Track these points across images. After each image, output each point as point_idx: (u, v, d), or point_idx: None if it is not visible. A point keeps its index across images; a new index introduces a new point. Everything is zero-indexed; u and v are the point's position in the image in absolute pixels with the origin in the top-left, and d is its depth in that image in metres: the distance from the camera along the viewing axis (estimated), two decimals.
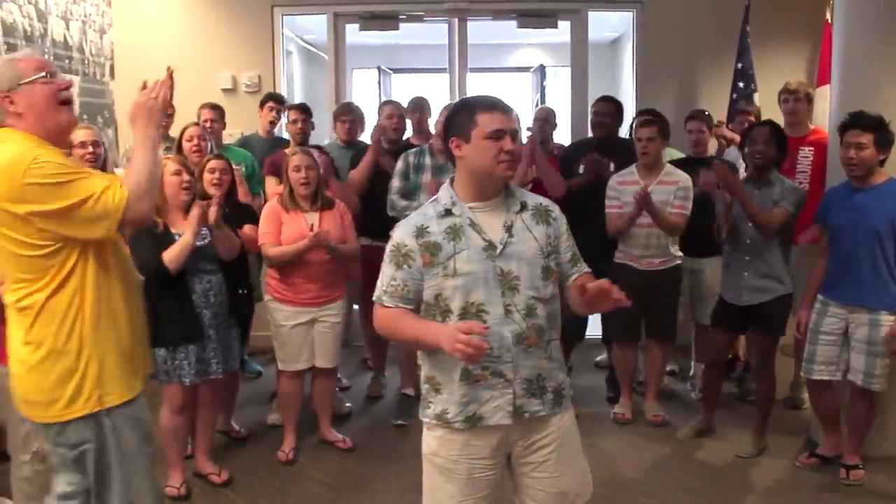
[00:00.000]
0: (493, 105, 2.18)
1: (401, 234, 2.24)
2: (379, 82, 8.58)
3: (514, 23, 6.28)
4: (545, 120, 5.14)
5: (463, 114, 2.20)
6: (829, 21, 5.50)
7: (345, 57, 6.18)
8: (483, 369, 2.17)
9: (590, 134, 5.41)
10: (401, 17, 6.10)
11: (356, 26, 6.19)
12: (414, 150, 4.59)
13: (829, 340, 3.79)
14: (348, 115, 5.15)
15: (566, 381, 2.34)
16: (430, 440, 2.30)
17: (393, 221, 4.41)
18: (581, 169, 4.75)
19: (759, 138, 3.97)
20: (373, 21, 6.06)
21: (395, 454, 4.18)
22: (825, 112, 5.32)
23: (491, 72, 9.39)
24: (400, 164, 4.52)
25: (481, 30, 7.56)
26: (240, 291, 3.98)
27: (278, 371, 4.18)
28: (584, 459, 2.41)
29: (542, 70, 8.32)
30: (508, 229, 2.19)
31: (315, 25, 6.92)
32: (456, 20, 6.12)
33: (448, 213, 2.20)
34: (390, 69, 8.86)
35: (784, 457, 4.12)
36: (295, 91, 7.98)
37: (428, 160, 4.50)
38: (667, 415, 4.60)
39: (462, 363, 2.14)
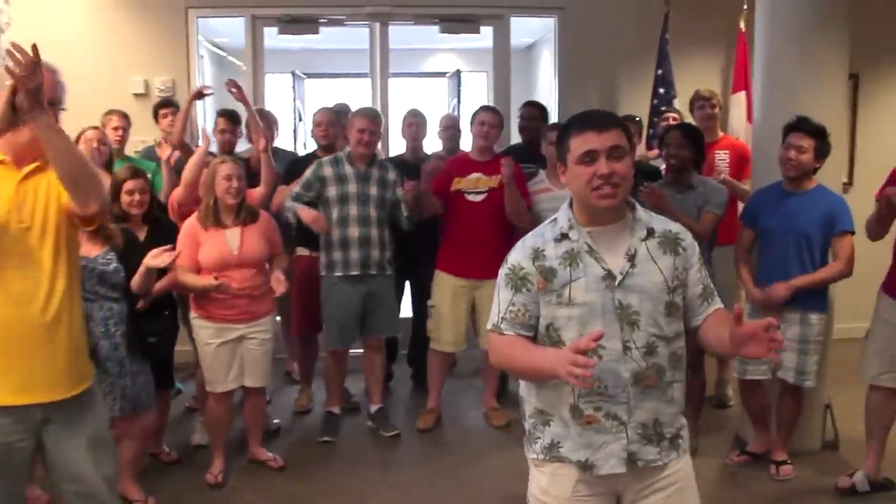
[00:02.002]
0: (582, 123, 1.96)
1: (516, 256, 2.04)
2: (293, 87, 8.38)
3: (431, 28, 6.24)
4: (455, 128, 5.17)
5: (561, 136, 2.02)
6: (743, 30, 5.69)
7: (263, 61, 6.00)
8: (595, 410, 1.97)
9: (514, 139, 5.43)
10: (321, 20, 5.96)
11: (273, 30, 6.02)
12: (328, 159, 4.42)
13: None
14: (263, 122, 4.99)
15: (685, 425, 2.10)
16: (540, 478, 2.10)
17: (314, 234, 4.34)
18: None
19: (672, 142, 4.05)
20: (292, 25, 5.91)
21: (326, 470, 4.07)
22: (741, 119, 5.52)
23: (408, 77, 9.32)
24: (308, 174, 4.35)
25: (398, 35, 7.50)
26: (165, 312, 3.78)
27: (200, 391, 4.00)
28: None
29: (458, 75, 8.30)
30: (631, 258, 1.96)
31: (227, 28, 6.71)
32: (378, 24, 6.03)
33: (565, 236, 2.00)
34: (304, 74, 8.67)
35: (715, 456, 4.19)
36: (207, 98, 7.73)
37: (348, 169, 4.35)
38: None
39: (570, 400, 1.98)
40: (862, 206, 3.75)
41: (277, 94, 8.46)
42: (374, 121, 4.38)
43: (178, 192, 4.19)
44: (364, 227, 4.32)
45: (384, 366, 4.69)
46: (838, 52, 4.09)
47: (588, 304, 1.95)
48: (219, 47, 8.15)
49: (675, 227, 2.07)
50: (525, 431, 2.16)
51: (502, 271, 2.07)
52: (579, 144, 1.93)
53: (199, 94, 4.72)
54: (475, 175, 4.43)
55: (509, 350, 2.02)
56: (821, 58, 4.05)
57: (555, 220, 2.06)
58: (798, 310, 3.78)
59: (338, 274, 4.35)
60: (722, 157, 4.88)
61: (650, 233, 2.00)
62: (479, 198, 4.43)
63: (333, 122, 4.84)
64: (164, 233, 3.79)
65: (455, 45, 8.96)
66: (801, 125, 3.75)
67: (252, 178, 4.23)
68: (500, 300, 2.05)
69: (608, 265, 1.96)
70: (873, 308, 3.74)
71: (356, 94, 7.02)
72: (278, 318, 5.21)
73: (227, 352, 3.83)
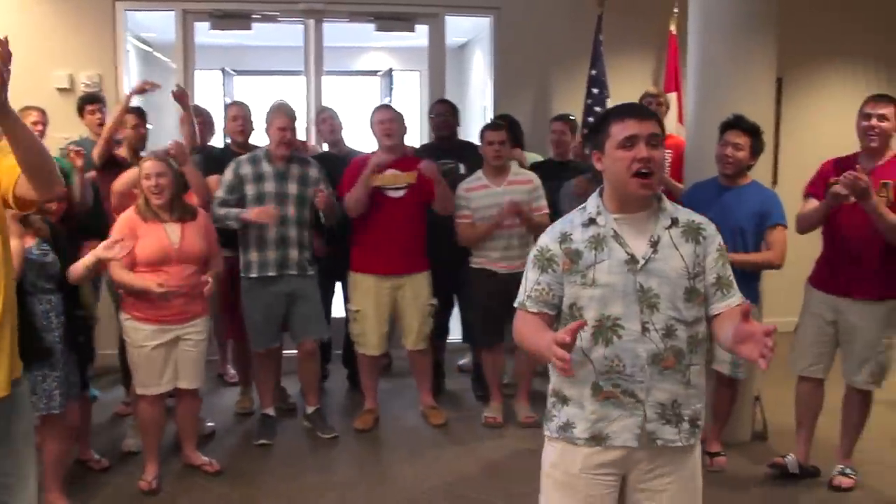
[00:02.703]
0: (625, 111, 2.07)
1: (545, 239, 2.16)
2: (223, 84, 8.22)
3: (364, 26, 6.19)
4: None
5: (600, 124, 2.13)
6: (674, 32, 5.81)
7: (193, 57, 5.86)
8: (614, 387, 2.05)
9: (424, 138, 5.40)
10: (254, 16, 5.85)
11: (204, 25, 5.89)
12: (246, 157, 4.32)
13: None
14: (199, 119, 4.89)
15: (702, 411, 2.15)
16: (551, 453, 2.20)
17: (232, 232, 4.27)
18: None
19: None
20: (224, 20, 5.78)
21: (265, 474, 4.00)
22: (672, 119, 5.64)
23: (340, 75, 9.23)
24: (228, 176, 4.25)
25: (331, 32, 7.41)
26: (76, 314, 3.62)
27: (134, 395, 3.87)
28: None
29: (390, 74, 8.27)
30: (654, 244, 2.06)
31: (153, 23, 6.51)
32: (312, 21, 5.94)
33: (592, 222, 2.10)
34: (235, 71, 8.50)
35: None
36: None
37: (267, 167, 4.26)
38: (537, 415, 4.65)
39: (592, 378, 2.07)
40: (787, 203, 3.86)
41: (206, 91, 8.30)
42: (293, 119, 4.32)
43: (112, 201, 4.08)
44: (282, 227, 4.23)
45: (318, 367, 4.61)
46: (767, 54, 4.23)
47: (610, 286, 2.04)
48: (146, 43, 7.93)
49: (699, 218, 2.15)
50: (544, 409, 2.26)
51: (531, 254, 2.18)
52: (621, 130, 2.03)
53: (142, 90, 4.56)
54: (391, 171, 4.39)
55: (522, 328, 2.13)
56: (751, 58, 4.19)
57: (584, 207, 2.16)
58: None
59: (253, 275, 4.27)
60: (664, 157, 4.94)
61: (674, 222, 2.09)
62: (399, 193, 4.40)
63: (249, 117, 4.75)
64: (85, 226, 3.77)
65: (388, 44, 8.91)
66: (738, 123, 3.85)
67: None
68: (528, 280, 2.16)
69: (632, 250, 2.05)
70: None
71: (287, 92, 6.89)
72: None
73: (162, 353, 3.73)
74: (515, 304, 2.19)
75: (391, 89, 8.20)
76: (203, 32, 8.05)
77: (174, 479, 3.91)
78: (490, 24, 6.16)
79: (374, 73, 9.16)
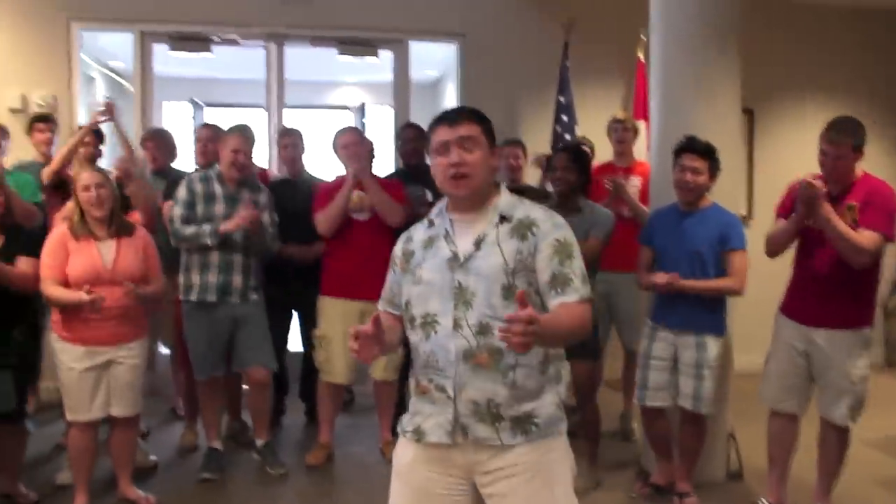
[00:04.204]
0: (439, 119, 2.12)
1: (398, 241, 2.25)
2: (193, 116, 8.08)
3: (336, 60, 6.07)
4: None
5: (428, 132, 2.16)
6: (642, 59, 5.72)
7: (152, 81, 5.70)
8: (428, 381, 2.09)
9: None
10: (214, 39, 5.71)
11: (167, 55, 5.75)
12: (198, 175, 4.17)
13: (660, 366, 3.77)
14: (152, 142, 4.72)
15: (546, 412, 2.07)
16: (396, 446, 2.23)
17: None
18: None
19: (558, 164, 3.94)
20: (183, 42, 5.64)
21: None
22: (642, 147, 5.50)
23: (311, 108, 9.15)
24: (183, 193, 4.07)
25: (302, 66, 7.32)
26: (13, 333, 3.47)
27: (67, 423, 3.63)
28: None
29: (362, 108, 8.17)
30: (478, 243, 2.07)
31: (123, 51, 6.39)
32: (273, 45, 5.81)
33: (432, 223, 2.18)
34: (204, 102, 8.38)
35: (619, 489, 4.05)
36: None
37: (218, 188, 4.10)
38: None
39: (418, 371, 2.12)
40: (762, 238, 3.68)
41: (176, 122, 8.18)
42: (248, 141, 4.14)
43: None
44: (226, 252, 4.03)
45: (269, 399, 4.36)
46: (731, 75, 4.11)
47: (430, 283, 2.08)
48: (114, 71, 7.82)
49: (539, 214, 2.11)
50: None
51: None
52: (435, 137, 2.10)
53: (108, 113, 4.43)
54: (356, 194, 4.24)
55: None
56: (715, 81, 4.06)
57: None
58: (693, 332, 3.69)
59: (193, 299, 4.06)
60: (634, 183, 4.82)
61: (504, 219, 2.09)
62: (364, 216, 4.25)
63: (212, 139, 4.56)
64: (23, 241, 3.54)
65: (360, 79, 8.89)
66: (692, 146, 3.70)
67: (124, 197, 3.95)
68: (386, 281, 2.28)
69: (457, 249, 2.08)
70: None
71: (255, 124, 6.76)
72: (167, 352, 4.91)
73: (93, 377, 3.50)
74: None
75: (363, 124, 8.09)
76: (173, 63, 7.97)
77: None
78: (456, 51, 6.07)
79: (346, 108, 9.14)
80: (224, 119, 5.33)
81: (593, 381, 4.06)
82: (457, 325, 2.02)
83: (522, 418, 2.04)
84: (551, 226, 2.07)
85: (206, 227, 3.99)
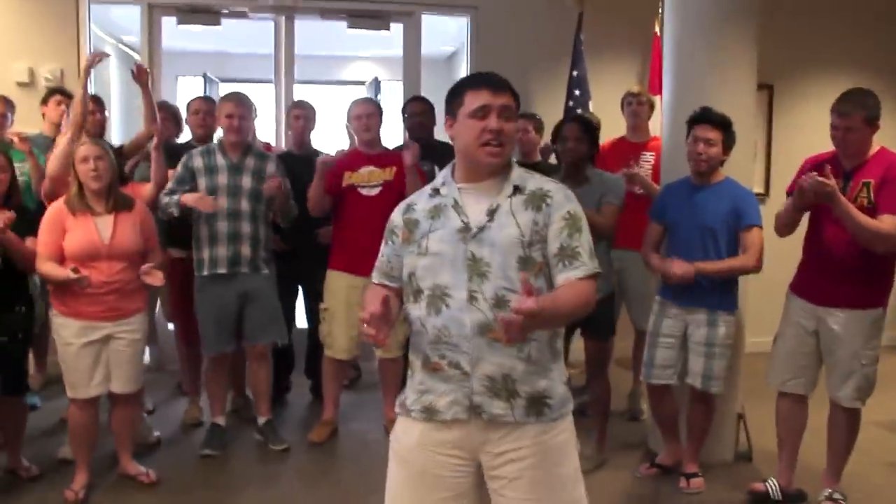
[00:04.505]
0: (481, 81, 2.02)
1: (395, 212, 2.18)
2: (205, 90, 8.03)
3: (348, 33, 5.97)
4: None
5: (454, 91, 2.06)
6: (658, 33, 5.57)
7: (160, 55, 5.64)
8: (440, 358, 2.00)
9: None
10: (223, 11, 5.64)
11: (180, 30, 5.69)
12: (198, 150, 4.12)
13: (668, 343, 3.70)
14: (164, 113, 4.68)
15: (558, 391, 2.04)
16: (397, 427, 2.15)
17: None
18: None
19: (569, 135, 3.84)
20: (192, 15, 5.56)
21: (203, 486, 3.74)
22: (656, 120, 5.37)
23: (325, 84, 9.08)
24: (179, 168, 4.04)
25: (316, 40, 7.23)
26: (16, 309, 3.45)
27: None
28: (577, 493, 2.08)
29: (376, 83, 8.08)
30: (491, 213, 1.99)
31: (135, 25, 6.32)
32: (283, 18, 5.72)
33: (437, 192, 2.09)
34: (217, 78, 8.33)
35: (625, 468, 3.99)
36: (111, 95, 7.35)
37: (220, 160, 4.05)
38: None
39: (426, 347, 2.02)
40: None
41: (189, 97, 8.13)
42: (242, 105, 4.07)
43: (44, 186, 3.84)
44: (234, 222, 3.99)
45: (270, 374, 4.33)
46: (747, 49, 3.99)
47: (441, 254, 2.00)
48: (128, 46, 7.78)
49: (552, 186, 2.06)
50: None
51: None
52: (474, 99, 1.98)
53: (92, 64, 4.29)
54: (367, 168, 4.19)
55: (366, 296, 2.10)
56: (730, 55, 3.95)
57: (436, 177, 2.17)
58: (705, 310, 3.61)
59: (205, 273, 4.03)
60: (647, 159, 4.72)
61: (517, 190, 2.03)
62: (373, 192, 4.17)
63: (210, 112, 4.54)
64: (28, 220, 3.51)
65: (374, 53, 8.79)
66: (706, 116, 3.60)
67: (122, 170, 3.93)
68: (380, 252, 2.19)
69: (468, 219, 2.00)
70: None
71: (268, 100, 6.71)
72: (171, 327, 4.89)
73: (91, 353, 3.47)
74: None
75: (378, 99, 8.02)
76: (186, 38, 7.91)
77: (106, 490, 3.65)
78: (467, 24, 5.94)
79: (360, 83, 9.05)
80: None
81: (604, 359, 4.00)
82: (472, 298, 1.95)
83: (536, 397, 2.00)
84: (563, 197, 2.03)
85: (174, 198, 3.94)
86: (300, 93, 5.92)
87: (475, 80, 2.03)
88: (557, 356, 2.07)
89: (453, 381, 1.98)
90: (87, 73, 4.00)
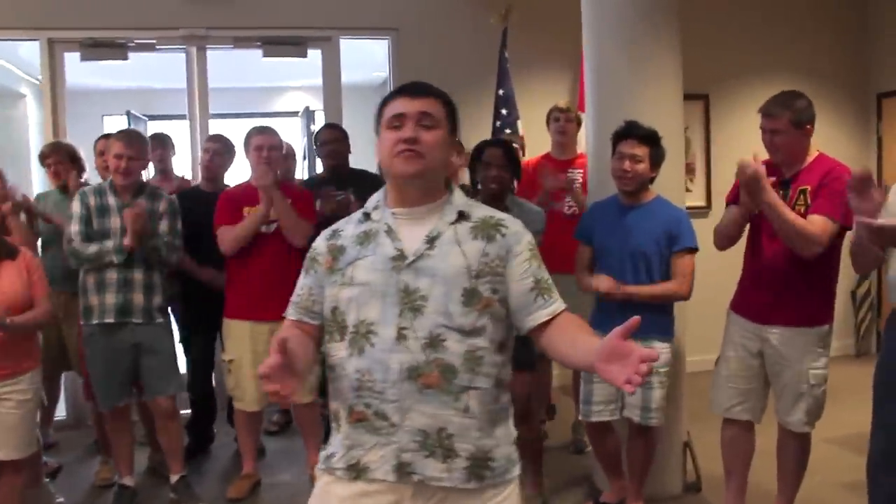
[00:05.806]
0: (401, 88, 1.86)
1: (319, 237, 1.94)
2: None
3: (280, 64, 5.72)
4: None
5: (379, 106, 1.88)
6: None
7: (63, 92, 5.30)
8: (365, 406, 1.75)
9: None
10: (129, 45, 5.34)
11: (112, 67, 5.40)
12: (91, 188, 3.83)
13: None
14: (52, 157, 4.39)
15: (502, 452, 1.81)
16: (316, 487, 1.87)
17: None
18: (318, 206, 4.13)
19: (493, 161, 3.50)
20: (96, 49, 5.23)
21: None
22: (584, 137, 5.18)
23: (258, 117, 8.85)
24: (77, 208, 3.73)
25: (250, 71, 6.98)
26: None
27: None
28: None
29: (308, 113, 7.86)
30: (431, 241, 1.79)
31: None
32: (194, 49, 5.44)
33: (367, 217, 1.87)
34: (144, 115, 8.04)
35: None
36: (31, 137, 7.06)
37: (112, 200, 3.75)
38: None
39: (350, 395, 1.76)
40: None
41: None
42: (132, 145, 3.76)
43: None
44: (125, 269, 3.68)
45: (179, 429, 4.01)
46: (671, 54, 3.80)
47: (368, 285, 1.78)
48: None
49: (503, 216, 1.87)
50: None
51: None
52: (390, 109, 1.82)
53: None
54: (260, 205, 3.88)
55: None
56: (653, 63, 3.75)
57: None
58: (638, 338, 3.35)
59: (94, 322, 3.71)
60: (574, 177, 4.52)
61: (462, 216, 1.84)
62: (270, 228, 3.88)
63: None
64: None
65: (306, 83, 8.59)
66: (632, 131, 3.38)
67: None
68: (297, 285, 1.94)
69: (403, 246, 1.79)
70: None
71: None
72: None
73: None
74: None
75: (310, 129, 7.79)
76: (111, 76, 7.62)
77: None
78: (388, 47, 5.73)
79: (294, 113, 8.87)
80: (170, 132, 5.01)
81: (531, 394, 3.73)
82: (401, 336, 1.72)
83: (481, 459, 1.76)
84: (520, 228, 1.87)
85: (109, 244, 3.65)
86: (227, 127, 5.64)
87: (395, 90, 1.87)
88: (503, 410, 1.83)
89: (381, 433, 1.74)
90: None
